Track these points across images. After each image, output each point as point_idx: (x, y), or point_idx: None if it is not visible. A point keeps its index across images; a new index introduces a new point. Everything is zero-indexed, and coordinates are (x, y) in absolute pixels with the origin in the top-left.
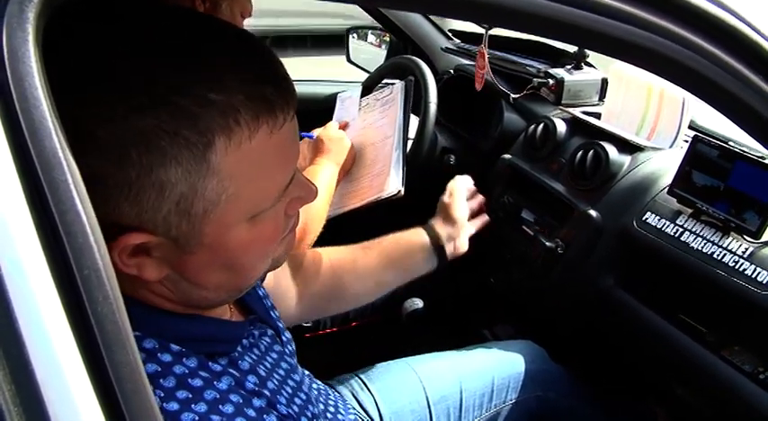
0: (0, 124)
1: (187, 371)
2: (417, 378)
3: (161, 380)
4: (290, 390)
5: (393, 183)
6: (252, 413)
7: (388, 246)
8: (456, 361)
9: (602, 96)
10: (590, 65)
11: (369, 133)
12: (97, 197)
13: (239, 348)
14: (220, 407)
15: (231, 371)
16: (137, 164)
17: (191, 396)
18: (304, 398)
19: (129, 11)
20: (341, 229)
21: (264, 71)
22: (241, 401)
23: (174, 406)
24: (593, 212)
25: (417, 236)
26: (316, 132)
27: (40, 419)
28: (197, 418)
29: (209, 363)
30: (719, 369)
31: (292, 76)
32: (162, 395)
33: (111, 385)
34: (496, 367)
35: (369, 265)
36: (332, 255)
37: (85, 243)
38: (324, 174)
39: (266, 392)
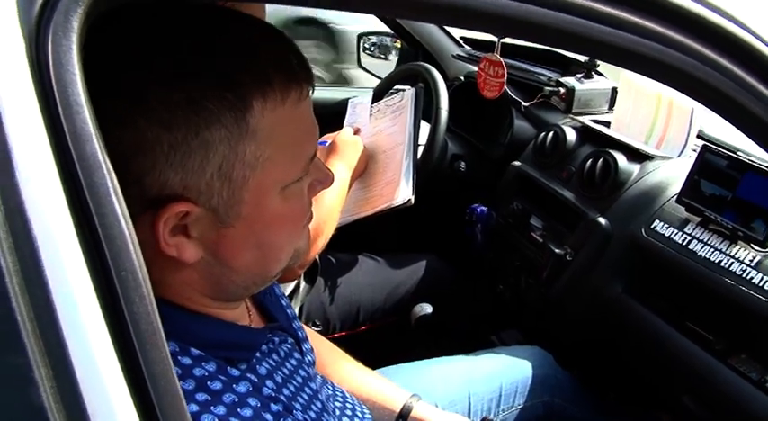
0: (44, 129)
1: (207, 374)
2: (426, 383)
3: (181, 383)
4: (306, 397)
5: (403, 192)
6: (269, 417)
7: (366, 382)
8: (464, 366)
9: (611, 105)
10: (600, 74)
11: (380, 140)
12: (145, 165)
13: (258, 354)
14: (239, 410)
15: (249, 376)
16: (183, 125)
17: (210, 398)
18: (320, 406)
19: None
20: (352, 233)
21: (289, 47)
22: (259, 405)
23: (193, 407)
24: (601, 220)
25: (395, 398)
26: (329, 137)
27: (79, 415)
28: (216, 420)
29: (228, 368)
30: (726, 376)
31: None
32: None
33: (144, 383)
34: (504, 372)
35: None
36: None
37: (123, 245)
38: (337, 177)
39: (282, 398)
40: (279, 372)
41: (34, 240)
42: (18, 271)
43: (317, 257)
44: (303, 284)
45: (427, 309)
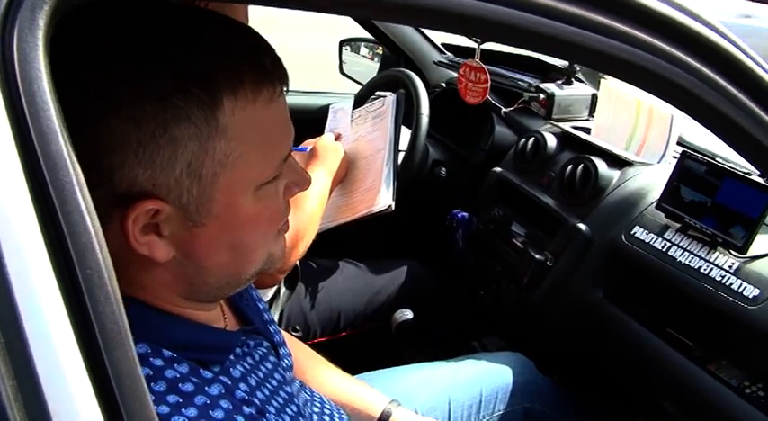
0: (8, 127)
1: (178, 376)
2: (406, 388)
3: (152, 384)
4: (281, 401)
5: (384, 199)
6: (241, 419)
7: (345, 387)
8: (444, 372)
9: (591, 111)
10: (580, 80)
11: (360, 146)
12: (115, 162)
13: (231, 357)
14: (210, 412)
15: (222, 378)
16: (152, 121)
17: (181, 400)
18: (295, 410)
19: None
20: (333, 239)
21: (262, 46)
22: (231, 408)
23: (164, 409)
24: (582, 226)
25: (374, 404)
26: (310, 143)
27: (39, 414)
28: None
29: (201, 370)
30: (706, 383)
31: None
32: (153, 398)
33: (109, 382)
34: (485, 378)
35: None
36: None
37: (88, 243)
38: (317, 182)
39: (256, 401)
40: (253, 375)
41: None
42: None
43: (297, 263)
44: (283, 290)
45: (408, 314)
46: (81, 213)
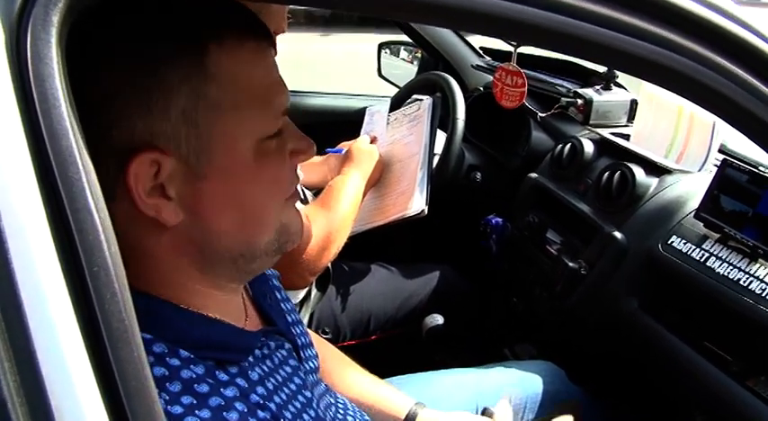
0: (20, 123)
1: (194, 377)
2: (434, 393)
3: (167, 384)
4: (298, 406)
5: (417, 203)
6: None
7: (372, 389)
8: (473, 378)
9: (630, 117)
10: (620, 86)
11: (396, 149)
12: (111, 116)
13: (251, 358)
14: (224, 414)
15: (238, 380)
16: (142, 70)
17: (195, 402)
18: (312, 415)
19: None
20: (366, 242)
21: (247, 11)
22: (246, 410)
23: (178, 409)
24: (617, 234)
25: (400, 406)
26: (346, 145)
27: (42, 411)
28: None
29: (217, 372)
30: (744, 399)
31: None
32: (167, 398)
33: (114, 382)
34: (513, 387)
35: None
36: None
37: (96, 240)
38: (350, 185)
39: (272, 406)
40: (271, 379)
41: (2, 231)
42: None
43: (329, 265)
44: (314, 291)
45: (438, 320)
46: (89, 210)
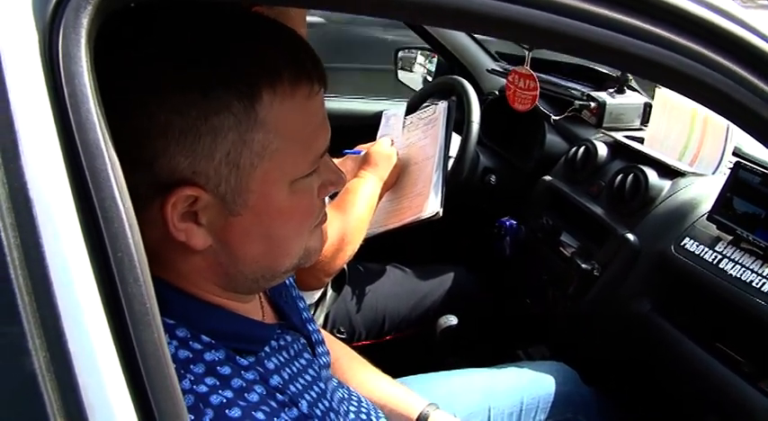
0: (51, 117)
1: (217, 359)
2: (446, 393)
3: (192, 366)
4: (314, 395)
5: (432, 205)
6: (275, 405)
7: (384, 388)
8: (486, 379)
9: (644, 121)
10: (633, 89)
11: (411, 152)
12: (156, 149)
13: (267, 349)
14: (246, 395)
15: (257, 367)
16: (194, 110)
17: (218, 383)
18: (327, 405)
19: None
20: (381, 243)
21: (301, 47)
22: (265, 393)
23: (203, 388)
24: (630, 236)
25: (412, 406)
26: (364, 147)
27: (69, 386)
28: (224, 401)
29: (237, 357)
30: (756, 401)
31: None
32: (192, 379)
33: (135, 360)
34: (526, 387)
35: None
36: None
37: (120, 228)
38: (366, 187)
39: (289, 392)
40: (287, 369)
41: (35, 218)
42: (18, 245)
43: (344, 266)
44: (330, 292)
45: (452, 320)
46: (114, 200)
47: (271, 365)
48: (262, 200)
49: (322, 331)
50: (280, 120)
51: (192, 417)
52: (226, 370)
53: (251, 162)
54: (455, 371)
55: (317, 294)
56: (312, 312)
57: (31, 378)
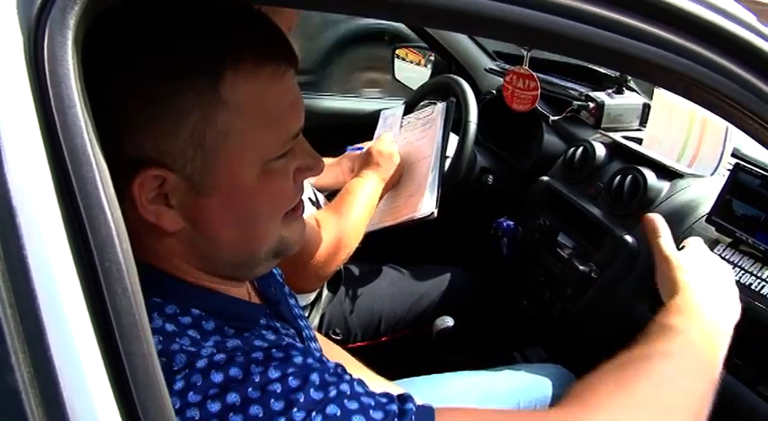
0: (36, 121)
1: (207, 328)
2: (442, 395)
3: (177, 338)
4: None
5: (427, 206)
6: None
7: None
8: (482, 381)
9: (642, 121)
10: (632, 89)
11: (408, 152)
12: (124, 132)
13: (256, 328)
14: (227, 343)
15: (245, 338)
16: (157, 92)
17: (199, 336)
18: None
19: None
20: (378, 243)
21: (268, 28)
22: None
23: (192, 349)
24: (628, 238)
25: None
26: (366, 145)
27: (54, 402)
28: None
29: (226, 328)
30: (755, 404)
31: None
32: (175, 331)
33: (124, 374)
34: (523, 390)
35: None
36: None
37: (108, 236)
38: (366, 188)
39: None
40: None
41: (18, 227)
42: (0, 256)
43: (340, 267)
44: (325, 293)
45: (449, 321)
46: (102, 207)
47: (258, 342)
48: (230, 180)
49: (318, 335)
50: (243, 100)
51: (186, 372)
52: (210, 325)
53: (215, 142)
54: (451, 374)
55: (313, 295)
56: (307, 313)
57: (13, 394)
